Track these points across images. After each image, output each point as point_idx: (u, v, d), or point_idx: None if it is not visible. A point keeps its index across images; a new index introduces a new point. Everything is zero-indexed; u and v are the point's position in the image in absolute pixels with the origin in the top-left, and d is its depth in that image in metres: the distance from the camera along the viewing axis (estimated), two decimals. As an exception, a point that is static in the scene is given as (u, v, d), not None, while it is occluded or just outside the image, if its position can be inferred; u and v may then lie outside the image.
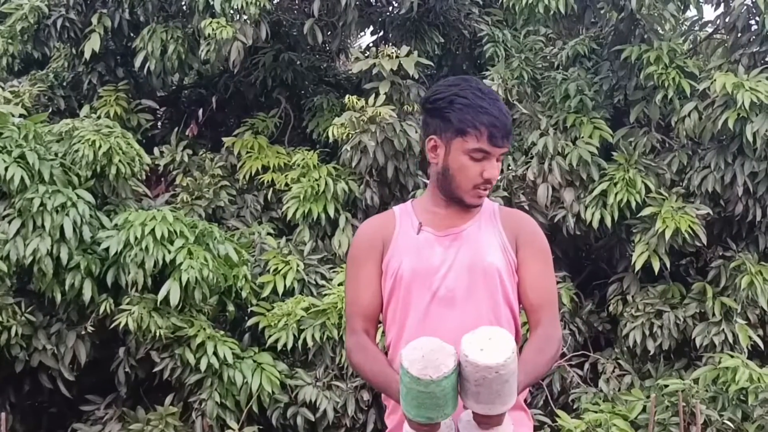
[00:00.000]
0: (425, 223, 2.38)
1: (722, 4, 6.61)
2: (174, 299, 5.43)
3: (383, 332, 2.45)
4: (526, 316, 2.38)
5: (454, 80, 2.40)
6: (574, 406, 5.94)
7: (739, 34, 6.46)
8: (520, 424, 2.35)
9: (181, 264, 5.45)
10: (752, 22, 6.45)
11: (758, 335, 6.07)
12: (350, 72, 7.78)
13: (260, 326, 5.77)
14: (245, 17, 6.62)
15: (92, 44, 7.08)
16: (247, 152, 7.08)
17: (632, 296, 6.30)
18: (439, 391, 2.00)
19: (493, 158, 2.30)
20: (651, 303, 6.16)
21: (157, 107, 7.95)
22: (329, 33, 7.47)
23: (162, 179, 7.16)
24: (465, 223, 2.37)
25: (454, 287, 2.30)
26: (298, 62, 7.95)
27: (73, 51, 7.54)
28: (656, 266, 5.98)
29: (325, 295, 5.82)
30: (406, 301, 2.33)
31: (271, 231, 6.60)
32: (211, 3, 6.52)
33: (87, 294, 5.48)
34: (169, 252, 5.49)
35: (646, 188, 6.15)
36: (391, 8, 8.05)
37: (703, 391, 5.39)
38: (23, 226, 5.39)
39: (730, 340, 5.91)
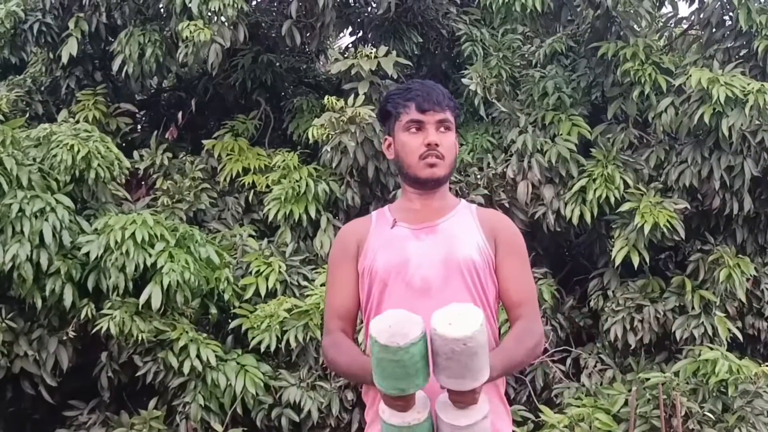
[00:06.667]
0: (400, 220, 2.44)
1: (696, 0, 6.67)
2: (156, 303, 5.42)
3: (363, 332, 2.47)
4: (507, 314, 2.42)
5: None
6: (557, 401, 5.98)
7: (714, 30, 6.54)
8: (499, 416, 2.37)
9: (162, 267, 5.44)
10: (726, 17, 6.52)
11: (737, 327, 6.14)
12: (329, 73, 7.78)
13: (243, 328, 5.76)
14: (223, 19, 6.60)
15: (69, 48, 7.04)
16: (228, 154, 7.07)
17: (613, 291, 6.34)
18: (408, 359, 2.03)
19: (430, 126, 2.41)
20: (631, 297, 6.21)
21: (136, 111, 7.91)
22: (308, 34, 7.46)
23: (142, 183, 7.13)
24: (440, 218, 2.43)
25: (429, 277, 2.33)
26: (277, 64, 7.94)
27: (51, 55, 7.50)
28: (636, 261, 6.03)
29: (308, 295, 5.82)
30: (382, 294, 2.36)
31: (253, 233, 6.60)
32: (189, 5, 6.50)
33: (68, 299, 5.46)
34: (150, 255, 5.48)
35: (625, 184, 6.20)
36: (369, 9, 8.06)
37: (684, 384, 5.44)
38: (2, 232, 5.36)
39: (710, 332, 5.97)
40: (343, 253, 2.46)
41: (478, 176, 6.45)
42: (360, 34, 8.15)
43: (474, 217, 2.45)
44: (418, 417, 2.14)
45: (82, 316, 5.51)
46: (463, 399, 2.09)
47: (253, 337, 5.65)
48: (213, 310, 5.90)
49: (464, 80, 6.73)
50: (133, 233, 5.47)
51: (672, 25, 7.44)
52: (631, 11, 6.39)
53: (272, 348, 5.60)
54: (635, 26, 6.57)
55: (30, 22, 7.22)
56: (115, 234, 5.45)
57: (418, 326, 2.05)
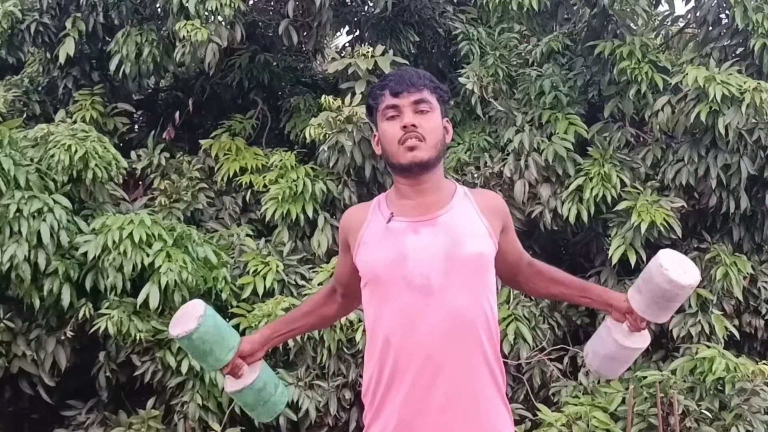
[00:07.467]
0: (397, 213, 2.37)
1: (693, -1, 6.69)
2: (153, 302, 5.43)
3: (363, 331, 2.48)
4: (511, 268, 2.58)
5: None
6: (555, 400, 5.98)
7: (710, 28, 6.55)
8: (500, 415, 2.37)
9: (159, 267, 5.45)
10: (722, 15, 6.53)
11: (734, 325, 6.13)
12: (326, 72, 7.78)
13: (241, 327, 5.75)
14: (220, 19, 6.62)
15: (67, 48, 7.05)
16: (225, 154, 7.07)
17: (610, 289, 6.34)
18: (196, 345, 2.42)
19: (406, 108, 2.34)
20: (628, 296, 6.19)
21: (134, 111, 7.92)
22: (305, 33, 7.48)
23: (139, 183, 7.14)
24: (438, 210, 2.35)
25: (430, 274, 2.27)
26: (274, 63, 7.95)
27: (48, 56, 7.50)
28: (633, 259, 6.03)
29: (305, 295, 5.83)
30: (381, 291, 2.32)
31: (250, 232, 6.60)
32: (186, 5, 6.50)
33: (66, 299, 5.46)
34: (148, 255, 5.49)
35: (622, 182, 6.20)
36: (366, 8, 8.06)
37: (681, 382, 5.44)
38: (0, 232, 5.37)
39: (707, 330, 5.97)
40: (340, 240, 2.55)
41: (475, 175, 6.46)
42: (357, 33, 8.15)
43: (473, 204, 2.40)
44: (245, 382, 2.51)
45: (80, 315, 5.52)
46: (644, 327, 2.55)
47: (251, 337, 5.65)
48: (211, 310, 5.89)
49: (461, 79, 6.74)
50: (131, 233, 5.48)
51: (668, 24, 7.46)
52: (628, 10, 6.41)
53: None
54: (632, 25, 6.58)
55: (27, 22, 7.23)
56: (112, 234, 5.46)
57: (195, 319, 2.39)
